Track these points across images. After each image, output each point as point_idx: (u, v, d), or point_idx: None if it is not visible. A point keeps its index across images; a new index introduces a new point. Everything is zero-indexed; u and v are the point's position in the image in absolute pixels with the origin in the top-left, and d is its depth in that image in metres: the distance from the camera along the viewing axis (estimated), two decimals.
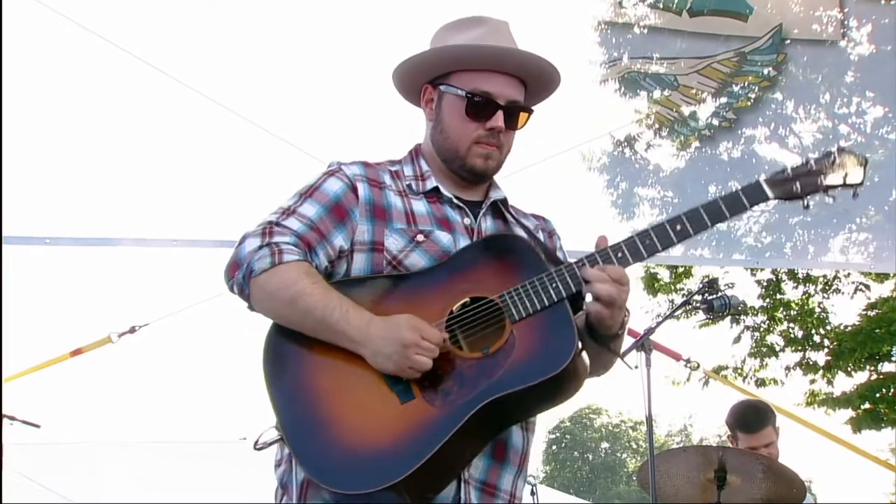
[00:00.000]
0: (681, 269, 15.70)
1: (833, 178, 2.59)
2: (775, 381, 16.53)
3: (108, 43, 5.98)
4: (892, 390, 15.65)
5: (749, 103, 7.27)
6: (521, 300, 2.48)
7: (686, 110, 7.27)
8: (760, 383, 16.35)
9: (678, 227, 2.59)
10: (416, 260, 2.63)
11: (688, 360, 7.06)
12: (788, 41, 7.14)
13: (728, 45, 7.11)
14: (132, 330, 6.59)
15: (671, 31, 7.25)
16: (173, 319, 6.86)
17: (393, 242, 2.65)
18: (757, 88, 7.23)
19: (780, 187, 2.59)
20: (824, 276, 16.88)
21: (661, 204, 8.57)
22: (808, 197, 2.60)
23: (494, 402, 2.35)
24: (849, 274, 16.62)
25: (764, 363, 16.59)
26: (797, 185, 2.58)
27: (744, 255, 8.76)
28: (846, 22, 7.32)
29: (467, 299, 2.53)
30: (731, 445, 5.41)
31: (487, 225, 2.84)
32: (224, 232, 6.01)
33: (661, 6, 7.25)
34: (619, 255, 2.56)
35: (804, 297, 16.29)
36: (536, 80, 2.85)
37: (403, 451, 2.33)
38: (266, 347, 2.54)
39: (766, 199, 2.59)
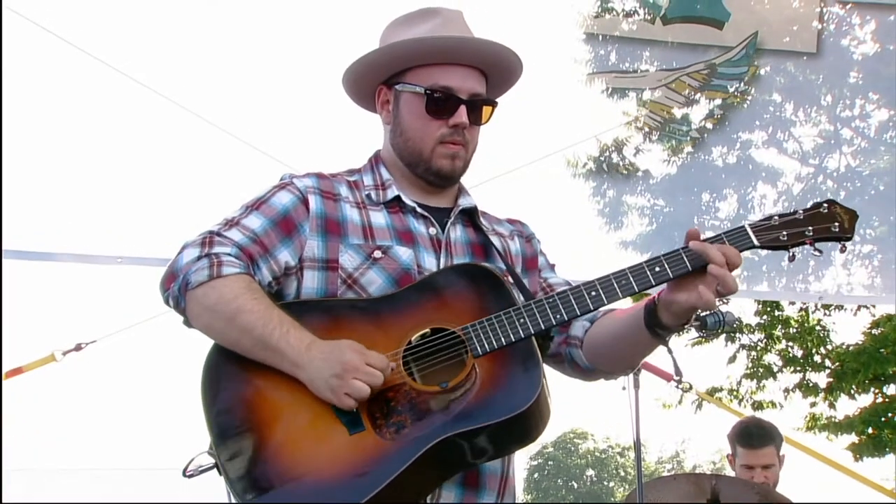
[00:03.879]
0: None
1: (821, 231, 2.62)
2: (773, 404, 16.61)
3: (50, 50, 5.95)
4: None
5: (715, 122, 7.31)
6: (485, 334, 2.47)
7: (679, 112, 7.30)
8: (757, 406, 16.42)
9: (657, 269, 2.58)
10: (373, 278, 2.62)
11: (679, 381, 7.07)
12: (763, 51, 7.11)
13: (701, 56, 7.12)
14: (78, 347, 6.53)
15: (645, 42, 7.28)
16: (124, 336, 6.81)
17: (348, 259, 2.64)
18: (721, 105, 7.25)
19: (765, 234, 2.61)
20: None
21: (652, 213, 8.58)
22: (795, 248, 2.63)
23: (450, 440, 2.33)
24: (852, 289, 16.70)
25: (761, 385, 16.67)
26: (784, 234, 2.61)
27: (739, 270, 8.78)
28: (824, 34, 7.34)
29: (427, 330, 2.52)
30: (729, 464, 5.49)
31: (457, 234, 2.83)
32: (172, 251, 6.02)
33: (639, 14, 7.28)
34: (593, 293, 2.56)
35: (803, 314, 16.37)
36: (497, 69, 2.84)
37: (350, 483, 2.30)
38: (206, 367, 2.51)
39: (752, 245, 2.61)
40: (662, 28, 7.10)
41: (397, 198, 2.79)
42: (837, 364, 15.89)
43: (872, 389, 16.12)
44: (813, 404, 16.61)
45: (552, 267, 3.05)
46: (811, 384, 16.43)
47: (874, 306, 15.34)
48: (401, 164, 2.83)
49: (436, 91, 2.73)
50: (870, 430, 15.87)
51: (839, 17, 7.61)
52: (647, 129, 7.41)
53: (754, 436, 5.44)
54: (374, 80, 2.86)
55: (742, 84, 7.18)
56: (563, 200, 7.69)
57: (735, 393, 16.76)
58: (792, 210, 2.65)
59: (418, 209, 2.79)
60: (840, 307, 15.90)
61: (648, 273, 2.56)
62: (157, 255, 6.24)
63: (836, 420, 16.25)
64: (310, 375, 2.40)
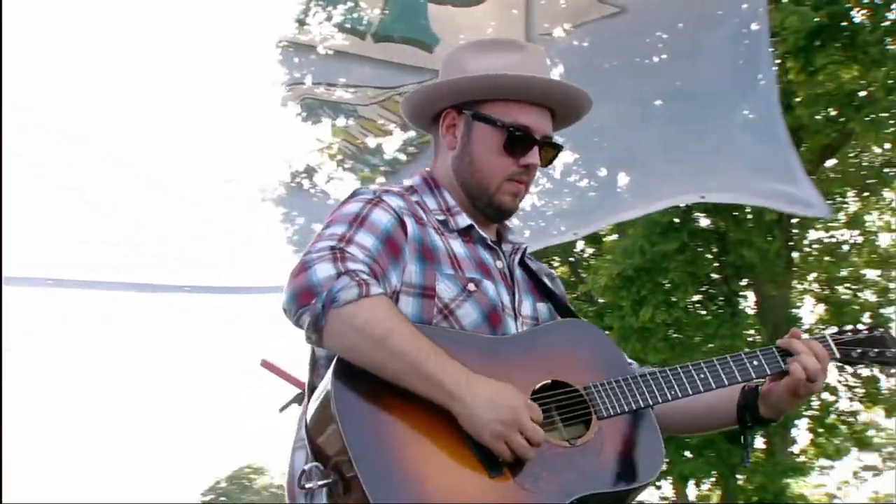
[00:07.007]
0: None
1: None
2: None
3: None
4: None
5: (409, 156, 7.49)
6: (608, 397, 2.63)
7: (372, 142, 7.43)
8: None
9: (754, 363, 2.81)
10: (469, 311, 2.66)
11: None
12: None
13: (414, 77, 7.28)
14: None
15: (357, 57, 7.37)
16: None
17: (444, 289, 2.66)
18: (417, 142, 7.42)
19: (846, 349, 2.85)
20: None
21: None
22: (880, 366, 2.89)
23: (584, 500, 2.45)
24: None
25: None
26: (873, 351, 2.86)
27: None
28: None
29: (549, 381, 2.60)
30: None
31: (518, 271, 2.91)
32: None
33: (347, 26, 7.36)
34: (702, 375, 2.76)
35: None
36: (570, 111, 2.94)
37: None
38: (333, 387, 2.42)
39: (834, 358, 2.84)
40: (373, 45, 7.21)
41: (470, 227, 2.84)
42: None
43: None
44: None
45: None
46: None
47: None
48: (461, 192, 2.88)
49: (517, 129, 2.78)
50: None
51: None
52: (340, 157, 7.51)
53: None
54: (442, 103, 2.89)
55: None
56: (251, 225, 7.67)
57: None
58: (873, 326, 2.90)
59: (489, 241, 2.86)
60: None
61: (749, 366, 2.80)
62: None
63: None
64: (470, 411, 2.40)
